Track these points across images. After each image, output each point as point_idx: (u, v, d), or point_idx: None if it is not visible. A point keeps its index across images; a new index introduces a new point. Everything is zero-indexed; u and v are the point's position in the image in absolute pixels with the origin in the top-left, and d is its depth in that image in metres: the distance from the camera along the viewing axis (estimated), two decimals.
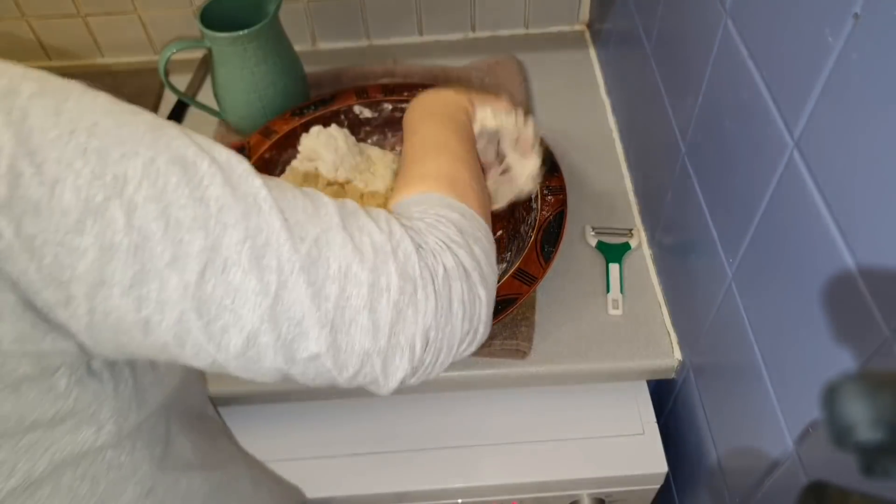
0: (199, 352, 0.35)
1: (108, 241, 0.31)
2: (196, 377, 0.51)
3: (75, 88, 0.33)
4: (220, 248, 0.33)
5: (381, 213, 0.41)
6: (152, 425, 0.43)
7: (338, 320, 0.36)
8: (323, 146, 0.80)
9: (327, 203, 0.38)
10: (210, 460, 0.51)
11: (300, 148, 0.82)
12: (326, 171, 0.79)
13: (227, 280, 0.33)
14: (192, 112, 1.01)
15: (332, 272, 0.36)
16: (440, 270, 0.39)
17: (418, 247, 0.39)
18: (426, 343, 0.39)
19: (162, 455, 0.44)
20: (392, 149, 0.89)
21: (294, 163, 0.83)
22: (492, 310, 0.44)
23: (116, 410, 0.37)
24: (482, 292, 0.42)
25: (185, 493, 0.47)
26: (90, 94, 0.33)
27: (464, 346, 0.42)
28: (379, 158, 0.84)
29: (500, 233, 0.80)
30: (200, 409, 0.55)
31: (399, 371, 0.39)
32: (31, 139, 0.30)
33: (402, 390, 0.72)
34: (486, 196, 0.50)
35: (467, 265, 0.41)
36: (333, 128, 0.82)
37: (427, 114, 0.58)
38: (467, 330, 0.41)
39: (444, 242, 0.41)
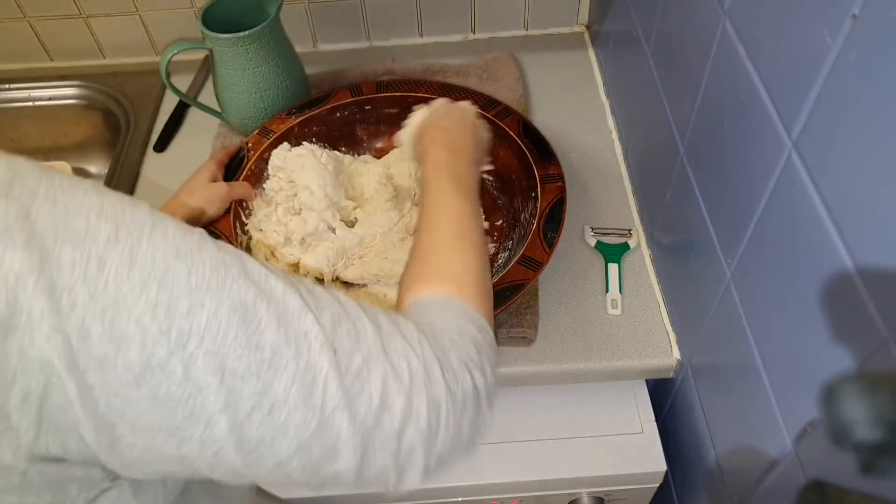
0: (227, 474, 0.36)
1: (162, 392, 0.32)
2: None
3: (146, 223, 0.33)
4: (269, 392, 0.34)
5: (412, 327, 0.42)
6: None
7: (369, 446, 0.38)
8: (299, 168, 0.78)
9: (363, 320, 0.39)
10: None
11: (270, 168, 0.80)
12: (312, 202, 0.77)
13: (271, 420, 0.34)
14: (194, 113, 1.02)
15: (374, 405, 0.37)
16: (459, 394, 0.41)
17: (443, 369, 0.41)
18: (439, 462, 0.42)
19: None
20: (375, 153, 0.89)
21: (268, 185, 0.81)
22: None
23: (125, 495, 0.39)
24: (488, 413, 0.44)
25: None
26: (160, 229, 0.33)
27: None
28: (362, 173, 0.84)
29: (500, 222, 0.80)
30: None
31: (410, 482, 0.42)
32: (104, 296, 0.30)
33: None
34: (492, 291, 0.52)
35: (480, 387, 0.43)
36: (305, 147, 0.80)
37: (454, 177, 0.57)
38: (469, 444, 0.44)
39: (464, 363, 0.42)
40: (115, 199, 0.33)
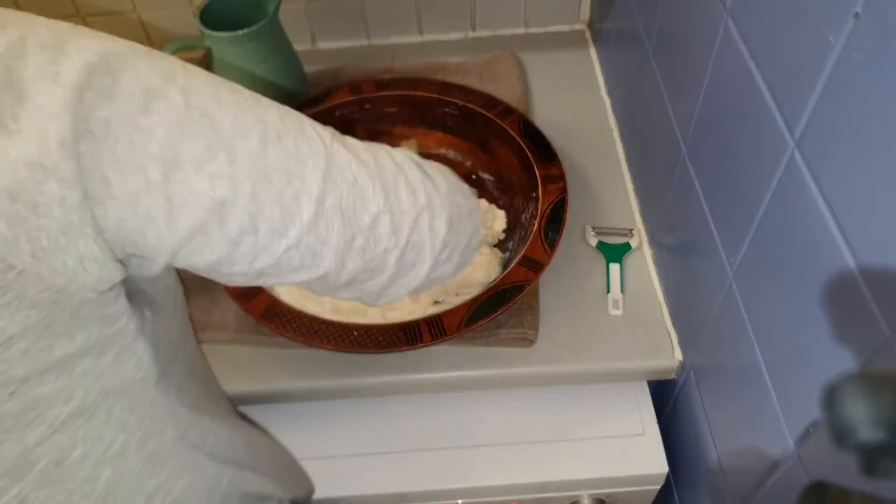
0: (271, 234, 0.41)
1: (173, 119, 0.35)
2: (190, 333, 0.55)
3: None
4: (267, 122, 0.40)
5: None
6: (177, 373, 0.47)
7: (386, 182, 0.47)
8: None
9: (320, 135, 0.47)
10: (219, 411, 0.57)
11: None
12: None
13: (284, 147, 0.40)
14: None
15: (360, 148, 0.48)
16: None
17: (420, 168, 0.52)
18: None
19: (192, 404, 0.48)
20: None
21: None
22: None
23: (146, 343, 0.41)
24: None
25: (215, 442, 0.51)
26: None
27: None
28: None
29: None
30: (194, 368, 0.59)
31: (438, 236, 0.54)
32: (93, 42, 0.34)
33: (404, 388, 0.72)
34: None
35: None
36: None
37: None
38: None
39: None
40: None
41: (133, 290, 0.40)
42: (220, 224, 0.38)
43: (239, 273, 0.42)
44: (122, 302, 0.38)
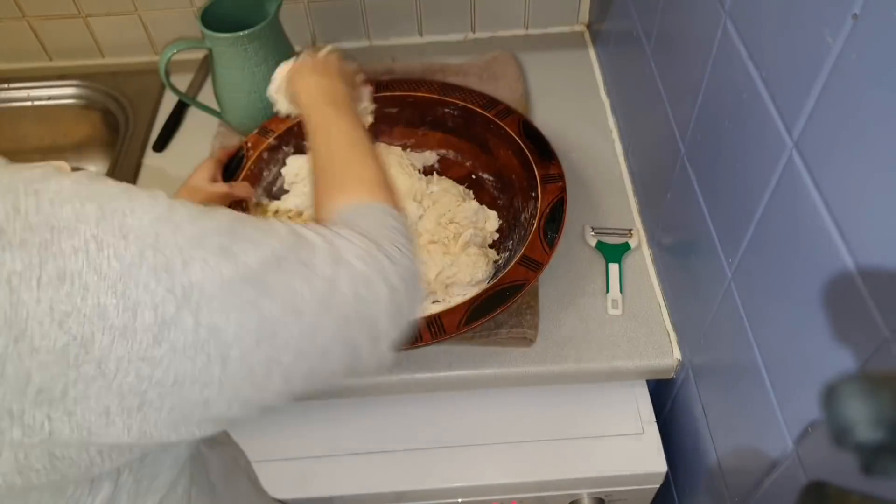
0: (242, 407, 0.40)
1: (181, 344, 0.34)
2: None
3: (122, 195, 0.36)
4: (266, 317, 0.38)
5: (345, 230, 0.46)
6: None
7: (352, 338, 0.43)
8: None
9: (314, 236, 0.44)
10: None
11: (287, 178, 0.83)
12: None
13: (274, 341, 0.38)
14: (193, 112, 1.02)
15: (350, 303, 0.43)
16: (405, 274, 0.47)
17: (388, 258, 0.46)
18: (403, 328, 0.47)
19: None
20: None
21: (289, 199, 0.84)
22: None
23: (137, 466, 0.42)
24: (422, 290, 0.52)
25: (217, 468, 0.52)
26: (135, 198, 0.36)
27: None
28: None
29: (500, 223, 0.81)
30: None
31: (387, 357, 0.47)
32: (110, 272, 0.32)
33: (404, 387, 0.72)
34: (388, 176, 0.59)
35: (415, 263, 0.49)
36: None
37: (330, 102, 0.64)
38: (417, 312, 0.50)
39: (398, 248, 0.48)
40: (83, 178, 0.35)
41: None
42: (203, 411, 0.38)
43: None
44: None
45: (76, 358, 0.31)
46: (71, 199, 0.33)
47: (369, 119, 0.79)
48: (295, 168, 0.84)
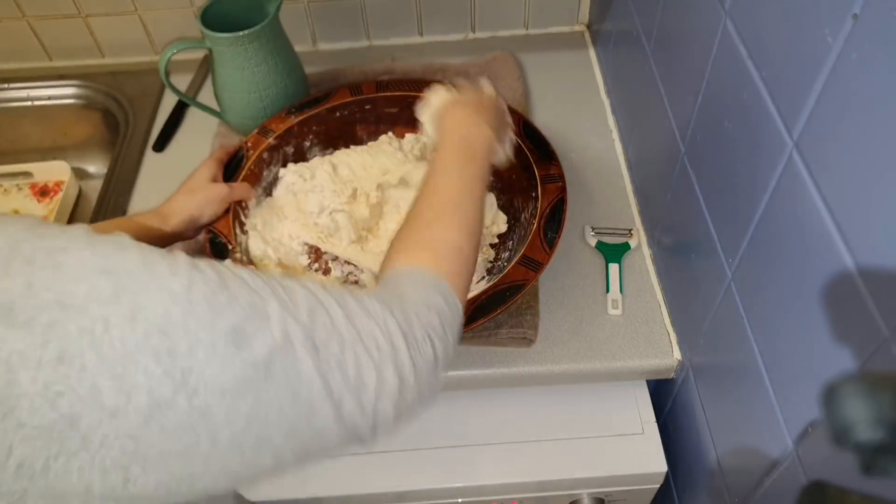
0: (230, 481, 0.38)
1: (171, 424, 0.33)
2: None
3: (140, 269, 0.35)
4: (261, 401, 0.36)
5: (376, 305, 0.44)
6: None
7: (349, 420, 0.41)
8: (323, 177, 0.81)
9: (334, 306, 0.42)
10: None
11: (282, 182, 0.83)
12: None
13: (266, 422, 0.37)
14: (193, 112, 1.02)
15: (352, 385, 0.41)
16: (420, 363, 0.44)
17: (407, 342, 0.44)
18: (404, 417, 0.45)
19: None
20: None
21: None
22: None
23: None
24: (441, 379, 0.48)
25: None
26: (154, 273, 0.35)
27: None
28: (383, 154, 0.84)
29: (507, 227, 0.81)
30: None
31: (381, 437, 0.45)
32: (112, 354, 0.32)
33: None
34: (474, 263, 0.55)
35: (440, 356, 0.46)
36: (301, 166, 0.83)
37: (468, 147, 0.60)
38: (428, 402, 0.47)
39: (427, 334, 0.45)
40: (108, 249, 0.35)
41: None
42: (189, 486, 0.37)
43: None
44: None
45: (61, 433, 0.30)
46: (87, 275, 0.33)
47: (504, 162, 0.71)
48: (259, 219, 0.81)
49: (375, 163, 0.83)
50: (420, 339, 0.44)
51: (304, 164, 0.84)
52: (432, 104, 0.70)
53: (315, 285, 0.43)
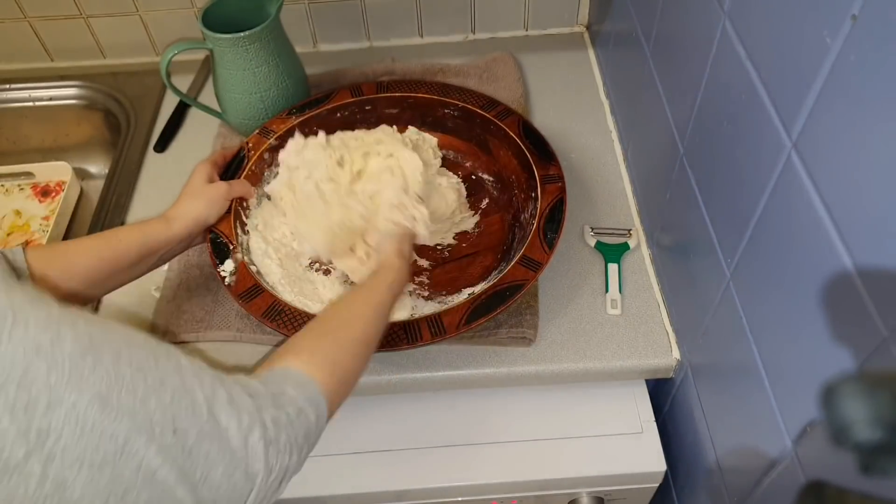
0: None
1: (20, 494, 0.31)
2: None
3: (7, 316, 0.33)
4: (120, 480, 0.35)
5: (247, 400, 0.44)
6: None
7: None
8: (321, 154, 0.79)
9: (197, 392, 0.41)
10: None
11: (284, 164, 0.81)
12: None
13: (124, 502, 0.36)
14: (194, 113, 1.02)
15: (202, 476, 0.40)
16: (276, 469, 0.45)
17: (267, 445, 0.44)
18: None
19: None
20: None
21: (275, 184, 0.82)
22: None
23: None
24: (282, 489, 0.49)
25: None
26: (20, 321, 0.33)
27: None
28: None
29: (500, 222, 0.81)
30: None
31: None
32: None
33: (404, 386, 0.72)
34: (355, 385, 0.57)
35: (294, 466, 0.47)
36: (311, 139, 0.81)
37: (394, 280, 0.64)
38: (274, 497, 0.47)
39: (290, 444, 0.46)
40: None
41: None
42: None
43: None
44: None
45: None
46: None
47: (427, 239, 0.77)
48: (260, 219, 0.80)
49: (370, 137, 0.82)
50: (282, 449, 0.45)
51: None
52: (392, 202, 0.74)
53: (186, 361, 0.42)
